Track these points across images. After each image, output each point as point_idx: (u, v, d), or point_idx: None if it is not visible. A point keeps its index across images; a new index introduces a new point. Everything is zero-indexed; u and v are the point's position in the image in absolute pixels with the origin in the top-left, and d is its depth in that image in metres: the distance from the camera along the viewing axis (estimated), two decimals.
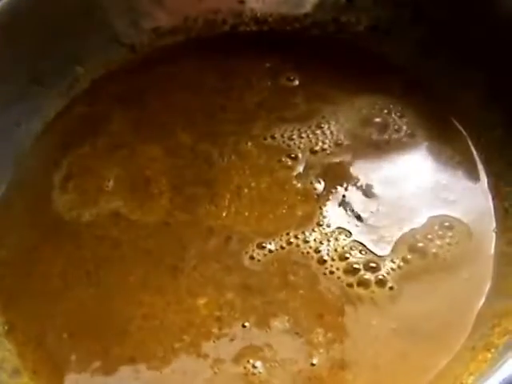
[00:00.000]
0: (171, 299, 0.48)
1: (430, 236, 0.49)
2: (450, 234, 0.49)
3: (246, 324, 0.47)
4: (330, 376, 0.45)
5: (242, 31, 0.62)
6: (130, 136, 0.56)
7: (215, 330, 0.47)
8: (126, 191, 0.54)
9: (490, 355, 0.41)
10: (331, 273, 0.48)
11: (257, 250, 0.50)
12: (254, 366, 0.45)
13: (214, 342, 0.46)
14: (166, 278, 0.49)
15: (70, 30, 0.57)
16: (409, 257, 0.49)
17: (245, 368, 0.45)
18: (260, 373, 0.45)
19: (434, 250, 0.49)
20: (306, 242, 0.50)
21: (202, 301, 0.48)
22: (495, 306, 0.46)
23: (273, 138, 0.55)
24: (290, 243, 0.50)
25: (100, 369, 0.46)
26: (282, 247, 0.49)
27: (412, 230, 0.50)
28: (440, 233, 0.49)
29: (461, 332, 0.46)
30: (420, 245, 0.49)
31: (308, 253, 0.49)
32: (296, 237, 0.50)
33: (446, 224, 0.50)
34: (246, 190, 0.53)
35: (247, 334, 0.47)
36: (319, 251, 0.49)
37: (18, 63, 0.55)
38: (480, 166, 0.53)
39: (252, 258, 0.49)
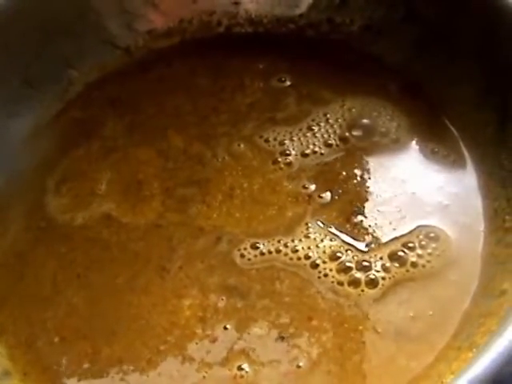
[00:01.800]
0: (157, 300, 0.48)
1: (411, 245, 0.48)
2: (433, 245, 0.49)
3: (228, 326, 0.47)
4: (317, 379, 0.44)
5: (237, 32, 0.62)
6: (123, 139, 0.57)
7: (199, 331, 0.47)
8: (118, 194, 0.54)
9: (471, 355, 0.40)
10: (325, 275, 0.48)
11: (248, 250, 0.49)
12: (240, 369, 0.45)
13: (196, 343, 0.46)
14: (153, 278, 0.49)
15: (63, 33, 0.57)
16: (388, 264, 0.48)
17: (230, 370, 0.45)
18: (247, 373, 0.45)
19: (413, 259, 0.48)
20: (296, 243, 0.49)
21: (186, 302, 0.48)
22: (481, 306, 0.45)
23: (265, 140, 0.55)
24: (279, 246, 0.49)
25: (89, 371, 0.47)
26: (270, 251, 0.49)
27: (397, 236, 0.49)
28: (423, 243, 0.49)
29: (447, 332, 0.45)
30: (400, 253, 0.48)
31: (298, 257, 0.49)
32: (286, 244, 0.49)
33: (432, 235, 0.49)
34: (238, 191, 0.53)
35: (230, 335, 0.46)
36: (309, 256, 0.48)
37: (11, 66, 0.55)
38: (471, 166, 0.52)
39: (242, 257, 0.49)
